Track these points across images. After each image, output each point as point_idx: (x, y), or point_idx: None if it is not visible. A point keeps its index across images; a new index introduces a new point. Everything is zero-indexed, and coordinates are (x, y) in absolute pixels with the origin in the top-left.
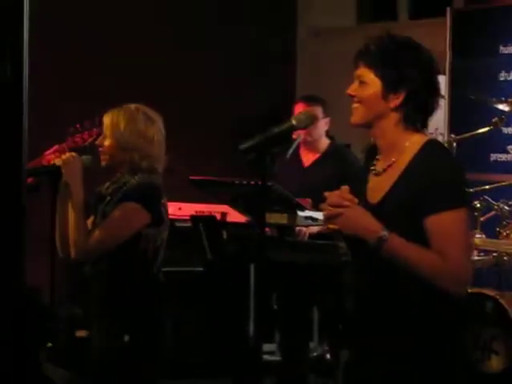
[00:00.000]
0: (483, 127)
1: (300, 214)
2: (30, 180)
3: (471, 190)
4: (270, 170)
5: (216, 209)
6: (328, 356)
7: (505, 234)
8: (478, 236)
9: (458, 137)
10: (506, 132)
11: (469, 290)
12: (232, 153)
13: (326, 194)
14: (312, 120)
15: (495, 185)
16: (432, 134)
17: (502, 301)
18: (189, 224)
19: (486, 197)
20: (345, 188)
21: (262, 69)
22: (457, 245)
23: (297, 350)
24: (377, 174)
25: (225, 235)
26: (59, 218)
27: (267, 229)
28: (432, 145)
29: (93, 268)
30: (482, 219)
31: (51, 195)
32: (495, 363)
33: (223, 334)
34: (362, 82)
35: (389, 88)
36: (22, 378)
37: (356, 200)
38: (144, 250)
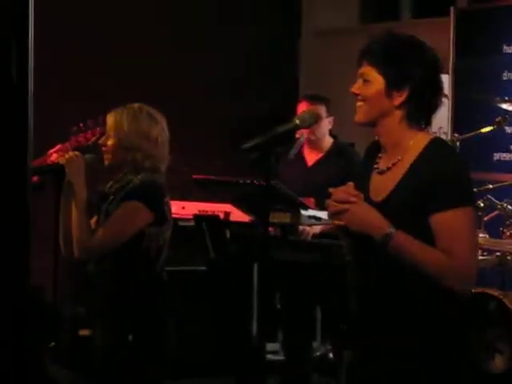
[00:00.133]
0: (486, 126)
1: (303, 213)
2: (34, 179)
3: (475, 189)
4: (274, 169)
5: (219, 208)
6: (331, 355)
7: (508, 233)
8: (481, 235)
9: (462, 136)
10: (509, 131)
11: (472, 290)
12: (232, 153)
13: (332, 189)
14: (315, 119)
15: (498, 184)
16: (435, 133)
17: (505, 300)
18: (192, 223)
19: (490, 196)
20: (350, 184)
21: (262, 69)
22: (462, 243)
23: (300, 350)
24: (380, 173)
25: (228, 234)
26: (63, 217)
27: (271, 228)
28: (437, 143)
29: (96, 267)
30: (485, 219)
31: (55, 194)
32: (499, 363)
33: (226, 333)
34: (365, 81)
35: (392, 85)
36: (25, 378)
37: (362, 196)
38: (147, 249)
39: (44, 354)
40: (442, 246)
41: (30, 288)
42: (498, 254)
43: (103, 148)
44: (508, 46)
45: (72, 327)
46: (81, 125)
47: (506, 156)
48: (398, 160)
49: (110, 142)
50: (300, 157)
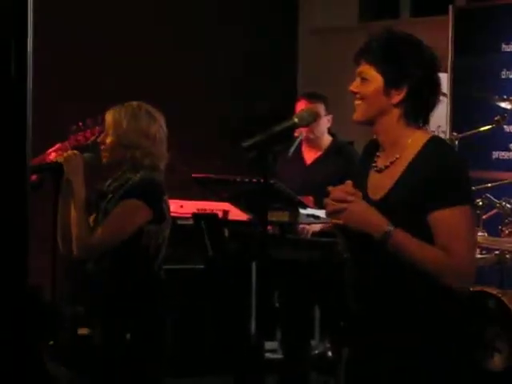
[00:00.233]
0: (485, 125)
1: (302, 211)
2: (33, 177)
3: (473, 187)
4: (272, 167)
5: (218, 207)
6: (330, 354)
7: (507, 232)
8: (480, 234)
9: (460, 135)
10: (508, 130)
11: (471, 288)
12: (231, 152)
13: (330, 188)
14: (314, 117)
15: (497, 183)
16: (434, 131)
17: (504, 299)
18: (190, 222)
19: (488, 195)
20: (348, 183)
21: (261, 68)
22: (461, 241)
23: (298, 348)
24: (378, 171)
25: (226, 233)
26: (61, 216)
27: (269, 227)
28: (435, 142)
29: (95, 265)
30: (484, 217)
31: (53, 193)
32: (498, 361)
33: (225, 331)
34: (363, 79)
35: (390, 84)
36: (25, 376)
37: (360, 194)
38: (146, 247)
39: (44, 351)
40: (441, 244)
41: (29, 287)
42: (497, 252)
43: (102, 146)
44: (507, 44)
45: (71, 326)
46: (80, 124)
47: (504, 154)
48: (397, 158)
49: (108, 140)
50: (299, 155)
